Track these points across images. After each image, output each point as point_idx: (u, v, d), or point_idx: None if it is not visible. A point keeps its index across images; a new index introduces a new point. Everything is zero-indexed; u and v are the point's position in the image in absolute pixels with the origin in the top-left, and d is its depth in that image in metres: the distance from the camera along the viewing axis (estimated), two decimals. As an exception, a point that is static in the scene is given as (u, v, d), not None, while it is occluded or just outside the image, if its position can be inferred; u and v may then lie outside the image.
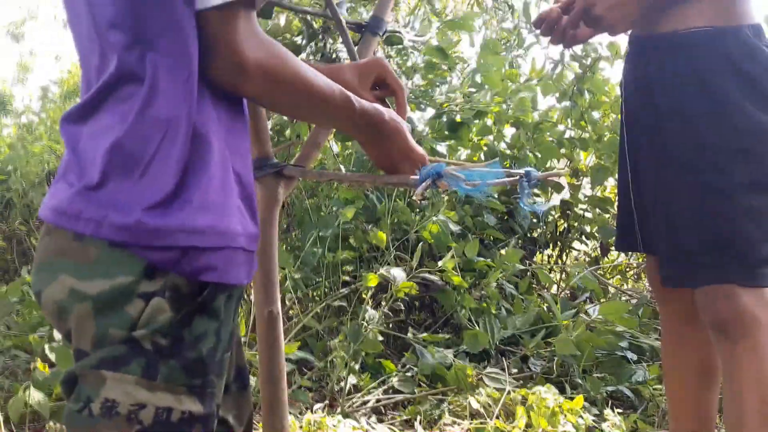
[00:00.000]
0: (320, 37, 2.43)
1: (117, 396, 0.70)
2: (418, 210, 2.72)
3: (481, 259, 2.70)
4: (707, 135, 1.36)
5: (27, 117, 4.74)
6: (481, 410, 2.00)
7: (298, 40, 2.45)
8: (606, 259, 3.39)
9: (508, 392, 2.06)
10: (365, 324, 2.20)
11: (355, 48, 1.39)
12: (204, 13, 0.70)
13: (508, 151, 3.08)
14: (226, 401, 0.84)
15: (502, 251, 2.81)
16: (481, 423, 1.95)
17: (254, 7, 0.73)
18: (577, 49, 2.97)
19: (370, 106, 0.86)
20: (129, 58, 0.71)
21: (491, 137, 3.09)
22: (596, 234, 3.20)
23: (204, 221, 0.71)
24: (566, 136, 3.10)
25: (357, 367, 2.21)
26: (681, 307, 1.54)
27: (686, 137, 1.38)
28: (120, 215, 0.69)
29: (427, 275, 2.41)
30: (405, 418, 2.07)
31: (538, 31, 1.53)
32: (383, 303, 2.38)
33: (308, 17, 2.32)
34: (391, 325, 2.54)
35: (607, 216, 3.08)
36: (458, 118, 2.87)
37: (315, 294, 2.59)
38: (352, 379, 2.19)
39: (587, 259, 3.44)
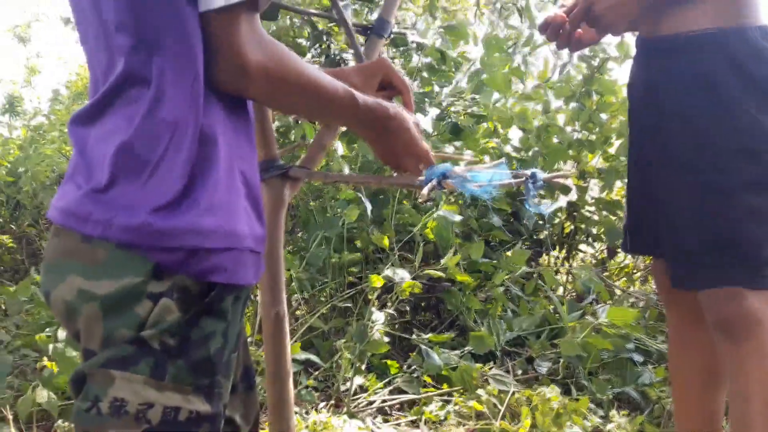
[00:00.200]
0: (324, 39, 2.44)
1: (125, 395, 0.70)
2: (422, 210, 2.72)
3: (486, 260, 2.69)
4: (710, 135, 1.35)
5: (36, 119, 4.77)
6: (486, 411, 2.00)
7: (303, 42, 2.46)
8: (612, 261, 3.38)
9: (513, 393, 2.06)
10: (371, 325, 2.20)
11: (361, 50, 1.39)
12: (207, 15, 0.71)
13: (514, 154, 3.08)
14: (233, 401, 0.84)
15: (508, 253, 2.81)
16: (487, 424, 1.95)
17: (257, 9, 0.74)
18: (586, 50, 2.96)
19: (373, 101, 0.87)
20: (135, 61, 0.72)
21: (497, 140, 3.09)
22: (603, 236, 3.19)
23: (211, 222, 0.72)
24: (574, 137, 3.09)
25: (363, 367, 2.22)
26: (687, 310, 1.54)
27: (689, 137, 1.38)
28: (128, 217, 0.70)
29: (430, 273, 2.40)
30: (411, 418, 2.07)
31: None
32: (389, 304, 2.38)
33: (312, 19, 2.32)
34: (396, 326, 2.54)
35: (614, 218, 3.07)
36: (461, 121, 2.87)
37: (321, 295, 2.60)
38: (358, 380, 2.19)
39: (594, 261, 3.43)
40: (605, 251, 3.32)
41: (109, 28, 0.74)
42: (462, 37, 3.01)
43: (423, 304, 2.79)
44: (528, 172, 0.96)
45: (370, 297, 2.31)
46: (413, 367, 2.32)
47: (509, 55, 3.12)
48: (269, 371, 1.32)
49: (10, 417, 1.90)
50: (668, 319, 1.65)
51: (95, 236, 0.71)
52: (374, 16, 2.68)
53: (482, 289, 2.73)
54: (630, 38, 2.72)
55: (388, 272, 2.29)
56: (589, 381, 2.25)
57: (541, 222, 3.12)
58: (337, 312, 2.54)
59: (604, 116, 3.04)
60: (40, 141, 3.93)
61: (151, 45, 0.71)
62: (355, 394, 2.17)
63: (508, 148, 3.11)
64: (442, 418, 2.03)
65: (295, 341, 2.27)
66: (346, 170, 2.59)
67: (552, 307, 2.64)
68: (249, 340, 2.19)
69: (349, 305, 2.48)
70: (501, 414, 1.98)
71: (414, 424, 2.05)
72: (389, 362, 2.32)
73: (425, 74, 2.97)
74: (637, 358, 2.35)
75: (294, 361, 2.11)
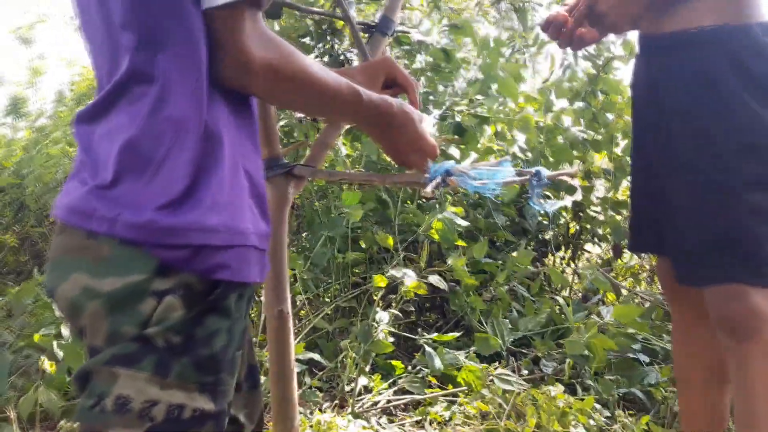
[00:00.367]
0: (328, 38, 2.44)
1: (130, 393, 0.70)
2: (426, 209, 2.72)
3: (489, 260, 2.69)
4: (710, 133, 1.35)
5: (40, 120, 4.79)
6: (492, 411, 1.99)
7: (307, 40, 2.46)
8: (619, 261, 3.37)
9: (518, 393, 2.05)
10: (375, 325, 2.20)
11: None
12: (210, 12, 0.71)
13: (520, 154, 3.07)
14: (237, 399, 0.84)
15: (514, 253, 2.80)
16: (492, 424, 1.94)
17: (260, 6, 0.74)
18: (591, 48, 2.95)
19: (378, 97, 0.86)
20: (140, 59, 0.72)
21: (501, 143, 3.09)
22: (609, 236, 3.18)
23: (216, 220, 0.72)
24: (579, 137, 3.08)
25: (367, 368, 2.21)
26: (692, 308, 1.53)
27: (689, 136, 1.37)
28: (133, 214, 0.70)
29: (434, 276, 2.40)
30: (416, 418, 2.06)
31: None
32: (393, 304, 2.38)
33: (316, 18, 2.32)
34: (401, 326, 2.53)
35: (619, 218, 3.06)
36: (464, 122, 2.87)
37: (325, 295, 2.60)
38: (363, 380, 2.19)
39: (599, 261, 3.41)
40: (611, 251, 3.31)
41: (114, 26, 0.74)
42: (467, 35, 3.01)
43: (428, 305, 2.78)
44: (532, 170, 0.96)
45: (374, 297, 2.31)
46: (418, 368, 2.32)
47: (516, 59, 3.12)
48: (273, 370, 1.32)
49: (13, 417, 1.90)
50: (673, 318, 1.64)
51: (100, 233, 0.71)
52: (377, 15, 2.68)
53: (487, 290, 2.72)
54: (634, 37, 2.71)
55: (392, 272, 2.29)
56: (594, 381, 2.24)
57: (545, 222, 3.12)
58: (342, 312, 2.54)
59: (609, 116, 3.03)
60: (44, 142, 3.94)
61: (155, 43, 0.71)
62: (360, 394, 2.16)
63: (513, 149, 3.10)
64: (448, 418, 2.03)
65: (299, 341, 2.27)
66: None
67: (558, 307, 2.63)
68: (253, 340, 2.19)
69: (353, 305, 2.48)
70: (506, 414, 1.97)
71: (419, 424, 2.04)
72: (394, 362, 2.31)
73: (429, 74, 2.97)
74: (643, 358, 2.34)
75: (298, 361, 2.10)
